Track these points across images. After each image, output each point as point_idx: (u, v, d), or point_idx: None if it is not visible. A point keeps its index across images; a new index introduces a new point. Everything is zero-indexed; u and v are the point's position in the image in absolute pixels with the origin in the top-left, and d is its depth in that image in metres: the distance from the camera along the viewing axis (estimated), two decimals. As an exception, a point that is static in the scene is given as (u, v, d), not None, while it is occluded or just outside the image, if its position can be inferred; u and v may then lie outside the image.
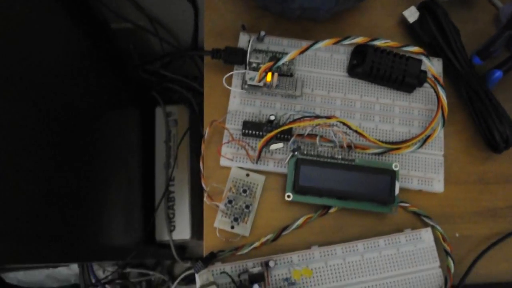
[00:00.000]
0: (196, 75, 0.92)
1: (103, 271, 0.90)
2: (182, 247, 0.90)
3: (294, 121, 0.39)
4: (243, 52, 0.42)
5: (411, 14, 0.45)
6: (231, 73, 0.42)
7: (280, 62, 0.38)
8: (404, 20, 0.46)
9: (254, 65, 0.42)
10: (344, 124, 0.39)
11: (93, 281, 0.82)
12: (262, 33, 0.42)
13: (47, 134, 0.45)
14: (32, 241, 0.41)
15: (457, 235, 0.42)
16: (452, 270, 0.39)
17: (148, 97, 0.89)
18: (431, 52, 0.45)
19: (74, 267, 0.88)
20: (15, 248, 0.39)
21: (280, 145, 0.39)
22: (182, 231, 0.83)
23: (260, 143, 0.39)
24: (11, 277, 0.88)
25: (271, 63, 0.38)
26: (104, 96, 0.68)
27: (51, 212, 0.45)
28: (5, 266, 0.46)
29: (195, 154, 0.88)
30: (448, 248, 0.40)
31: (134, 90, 0.86)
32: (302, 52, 0.37)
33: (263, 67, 0.39)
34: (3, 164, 0.36)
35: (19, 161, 0.39)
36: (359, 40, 0.37)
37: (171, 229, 0.83)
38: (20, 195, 0.39)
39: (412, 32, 0.46)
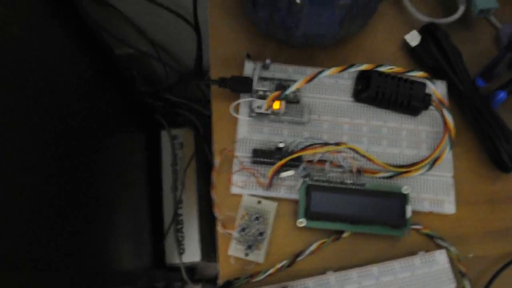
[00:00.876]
0: (200, 97, 0.93)
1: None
2: (191, 268, 0.90)
3: (304, 148, 0.39)
4: (249, 81, 0.42)
5: (413, 38, 0.46)
6: (238, 101, 0.42)
7: (288, 91, 0.38)
8: (406, 44, 0.46)
9: (260, 92, 0.42)
10: (352, 149, 0.39)
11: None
12: (268, 61, 0.43)
13: (53, 160, 0.45)
14: (40, 271, 0.41)
15: (470, 255, 0.42)
16: (468, 291, 0.39)
17: (153, 120, 0.89)
18: (435, 74, 0.46)
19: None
20: (24, 279, 0.39)
21: (291, 172, 0.39)
22: (192, 254, 0.83)
23: (270, 171, 0.39)
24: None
25: (278, 92, 0.39)
26: (109, 121, 0.69)
27: (59, 240, 0.45)
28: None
29: (202, 176, 0.89)
30: (463, 269, 0.40)
31: (138, 114, 0.87)
32: (309, 81, 0.37)
33: (271, 96, 0.39)
34: (10, 191, 0.36)
35: (25, 186, 0.39)
36: (365, 67, 0.38)
37: (181, 252, 0.83)
38: (27, 223, 0.39)
39: (415, 55, 0.47)
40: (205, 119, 0.94)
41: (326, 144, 0.39)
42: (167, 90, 0.90)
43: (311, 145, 0.39)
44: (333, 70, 0.37)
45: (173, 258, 0.82)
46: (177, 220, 0.84)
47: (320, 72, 0.38)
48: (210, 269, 0.96)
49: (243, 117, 0.43)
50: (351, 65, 0.38)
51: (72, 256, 0.48)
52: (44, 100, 0.44)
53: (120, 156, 0.72)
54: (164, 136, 0.88)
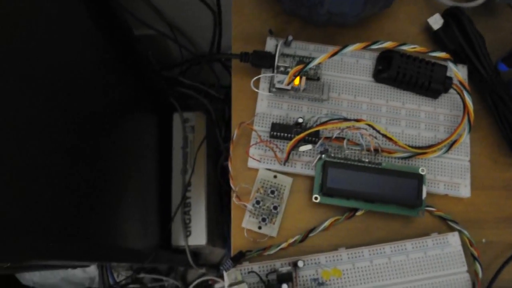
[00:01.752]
0: (213, 82, 0.93)
1: (117, 275, 0.90)
2: (196, 253, 0.90)
3: (323, 123, 0.39)
4: (271, 56, 0.42)
5: (436, 21, 0.46)
6: (260, 76, 0.42)
7: (310, 65, 0.38)
8: (428, 27, 0.46)
9: (281, 68, 0.42)
10: (372, 127, 0.39)
11: (111, 282, 0.82)
12: (290, 37, 0.43)
13: (68, 136, 0.45)
14: (53, 239, 0.42)
15: (483, 240, 0.42)
16: (480, 275, 0.39)
17: (166, 102, 0.90)
18: (456, 58, 0.46)
19: (89, 270, 0.89)
20: (36, 245, 0.39)
21: (309, 146, 0.39)
22: (198, 237, 0.83)
23: (289, 144, 0.39)
24: (27, 279, 0.89)
25: (300, 67, 0.39)
26: (123, 101, 0.69)
27: (71, 210, 0.45)
28: (27, 263, 0.47)
29: (211, 161, 0.89)
30: (475, 253, 0.40)
31: (152, 96, 0.87)
32: (331, 56, 0.37)
33: (292, 70, 0.39)
34: (25, 164, 0.37)
35: (41, 160, 0.40)
36: (388, 45, 0.38)
37: (187, 234, 0.83)
38: (42, 194, 0.40)
39: (436, 39, 0.46)
40: (217, 103, 0.94)
41: (345, 119, 0.39)
42: (181, 73, 0.90)
43: (331, 119, 0.39)
44: (356, 46, 0.37)
45: (179, 240, 0.82)
46: (185, 202, 0.84)
47: (343, 48, 0.38)
48: (215, 255, 0.96)
49: (263, 92, 0.43)
50: (375, 42, 0.38)
51: (82, 227, 0.49)
52: (60, 76, 0.45)
53: (132, 136, 0.72)
54: (176, 119, 0.88)
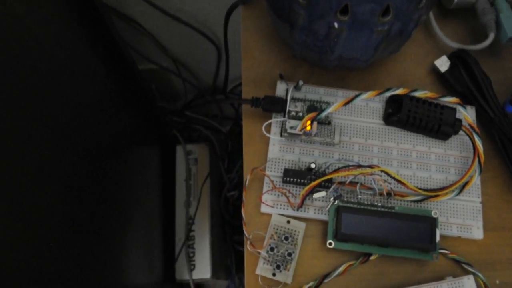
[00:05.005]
0: (216, 114, 0.93)
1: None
2: (200, 285, 0.89)
3: (338, 170, 0.39)
4: (283, 101, 0.43)
5: (443, 64, 0.47)
6: (271, 120, 0.43)
7: (324, 113, 0.39)
8: (435, 69, 0.47)
9: (293, 113, 0.43)
10: (385, 172, 0.39)
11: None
12: (301, 82, 0.44)
13: (70, 171, 0.45)
14: (54, 284, 0.41)
15: (497, 282, 0.42)
16: (497, 320, 0.39)
17: (169, 135, 0.90)
18: (464, 100, 0.46)
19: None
20: None
21: (323, 193, 0.39)
22: (203, 270, 0.82)
23: (303, 191, 0.39)
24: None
25: (315, 114, 0.39)
26: (127, 135, 0.69)
27: (71, 252, 0.45)
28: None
29: (215, 193, 0.89)
30: (490, 296, 0.40)
31: (156, 129, 0.87)
32: (346, 104, 0.38)
33: (306, 117, 0.40)
34: (26, 203, 0.36)
35: (41, 197, 0.39)
36: (400, 91, 0.39)
37: (191, 268, 0.82)
38: (43, 236, 0.39)
39: (443, 81, 0.47)
40: (221, 135, 0.95)
41: (359, 166, 0.39)
42: (185, 106, 0.90)
43: (345, 167, 0.39)
44: (370, 94, 0.38)
45: (183, 274, 0.82)
46: (188, 236, 0.83)
47: (357, 96, 0.38)
48: (218, 287, 0.95)
49: (274, 137, 0.43)
50: (388, 89, 0.38)
51: (84, 269, 0.48)
52: (68, 112, 0.45)
53: (135, 170, 0.72)
54: (179, 151, 0.88)
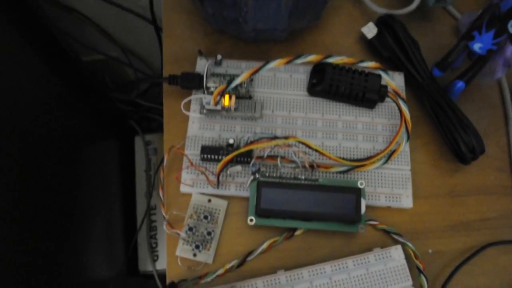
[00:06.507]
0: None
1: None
2: (164, 277, 0.88)
3: (252, 143, 0.38)
4: (200, 77, 0.41)
5: (370, 30, 0.45)
6: (188, 98, 0.41)
7: (233, 84, 0.37)
8: (363, 37, 0.46)
9: (212, 89, 0.41)
10: (303, 143, 0.38)
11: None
12: (219, 56, 0.42)
13: (24, 170, 0.44)
14: (8, 276, 0.40)
15: (430, 251, 0.41)
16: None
17: (126, 127, 0.88)
18: (392, 66, 0.45)
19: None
20: None
21: (238, 168, 0.38)
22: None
23: (218, 167, 0.38)
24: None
25: (224, 86, 0.38)
26: (81, 129, 0.68)
27: (28, 246, 0.44)
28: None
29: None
30: (420, 266, 0.38)
31: (111, 121, 0.86)
32: (254, 73, 0.36)
33: (216, 90, 0.38)
34: None
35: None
36: (313, 58, 0.37)
37: (154, 259, 0.81)
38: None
39: (371, 48, 0.46)
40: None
41: (275, 137, 0.37)
42: (139, 95, 0.89)
43: (259, 139, 0.38)
44: (278, 62, 0.36)
45: (146, 265, 0.80)
46: (150, 226, 0.82)
47: (265, 64, 0.37)
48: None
49: (194, 114, 0.41)
50: (298, 56, 0.37)
51: (40, 263, 0.47)
52: (9, 113, 0.43)
53: (94, 163, 0.71)
54: (138, 142, 0.87)
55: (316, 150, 0.38)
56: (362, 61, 0.39)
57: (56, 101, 0.59)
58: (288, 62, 0.36)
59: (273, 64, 0.36)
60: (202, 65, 0.43)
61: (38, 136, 0.49)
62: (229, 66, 0.43)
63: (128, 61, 0.79)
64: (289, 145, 0.38)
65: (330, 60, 0.38)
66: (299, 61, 0.37)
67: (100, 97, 0.79)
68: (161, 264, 0.81)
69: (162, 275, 0.83)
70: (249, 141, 0.39)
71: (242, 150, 0.37)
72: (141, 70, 0.82)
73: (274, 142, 0.37)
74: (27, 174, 0.45)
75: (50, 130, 0.54)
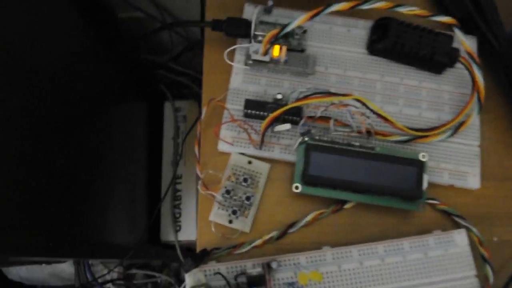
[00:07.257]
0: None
1: (108, 271, 0.86)
2: (189, 249, 0.86)
3: (304, 98, 0.33)
4: (247, 23, 0.36)
5: (442, -15, 0.40)
6: (234, 46, 0.37)
7: (288, 28, 0.32)
8: (433, -8, 0.40)
9: (260, 38, 0.37)
10: (363, 104, 0.33)
11: (90, 279, 0.77)
12: (270, 2, 0.37)
13: (51, 127, 0.41)
14: (29, 234, 0.38)
15: (495, 239, 0.36)
16: (491, 280, 0.33)
17: (157, 91, 0.85)
18: (463, 28, 0.39)
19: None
20: (17, 240, 0.35)
21: (286, 126, 0.33)
22: (188, 232, 0.78)
23: (263, 124, 0.33)
24: (14, 273, 0.85)
25: (276, 31, 0.33)
26: (110, 89, 0.65)
27: (51, 203, 0.42)
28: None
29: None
30: (485, 254, 0.34)
31: (142, 83, 0.82)
32: (313, 16, 0.32)
33: (267, 35, 0.33)
34: (5, 156, 0.33)
35: (21, 153, 0.36)
36: (382, 4, 0.32)
37: (177, 229, 0.78)
38: (25, 188, 0.36)
39: (440, 6, 0.40)
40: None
41: (331, 94, 0.33)
42: (173, 59, 0.85)
43: (312, 94, 0.33)
44: (342, 6, 0.31)
45: (168, 235, 0.78)
46: (175, 195, 0.79)
47: (326, 7, 0.32)
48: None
49: (238, 65, 0.37)
50: (365, 1, 0.32)
51: (66, 224, 0.45)
52: (41, 65, 0.40)
53: (120, 125, 0.68)
54: (168, 108, 0.84)
55: (378, 114, 0.33)
56: (435, 14, 0.34)
57: (89, 55, 0.57)
58: (354, 7, 0.32)
59: (336, 8, 0.31)
60: (250, 12, 0.38)
61: (69, 86, 0.47)
62: (280, 15, 0.39)
63: (165, 20, 0.74)
64: (346, 105, 0.33)
65: (401, 9, 0.33)
66: (366, 6, 0.32)
67: (132, 58, 0.76)
68: (183, 235, 0.78)
69: (184, 246, 0.81)
70: (300, 96, 0.34)
71: (292, 105, 0.33)
72: (177, 32, 0.77)
73: (330, 98, 0.32)
74: (52, 127, 0.42)
75: (80, 86, 0.52)
